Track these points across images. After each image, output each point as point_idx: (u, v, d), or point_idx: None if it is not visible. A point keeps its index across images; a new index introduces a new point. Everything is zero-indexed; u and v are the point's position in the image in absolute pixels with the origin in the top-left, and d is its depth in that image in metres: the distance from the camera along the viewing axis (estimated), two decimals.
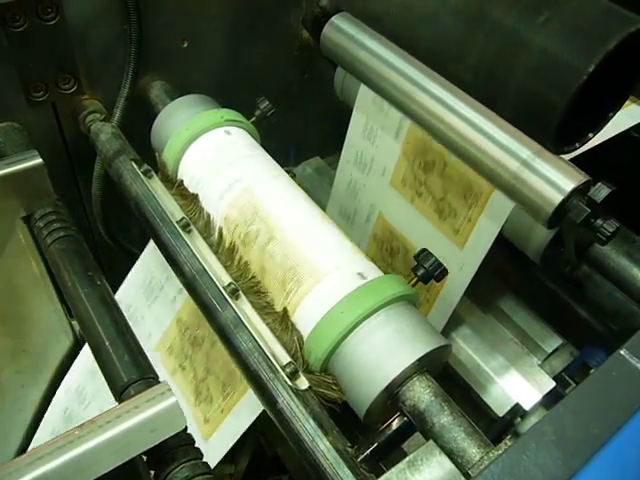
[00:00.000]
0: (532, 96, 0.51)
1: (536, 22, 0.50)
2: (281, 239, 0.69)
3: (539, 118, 0.52)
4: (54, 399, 0.91)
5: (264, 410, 0.65)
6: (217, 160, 0.78)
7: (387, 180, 0.94)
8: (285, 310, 0.65)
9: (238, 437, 0.72)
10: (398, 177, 0.92)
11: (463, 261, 0.84)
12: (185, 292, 0.76)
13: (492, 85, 0.55)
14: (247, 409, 0.72)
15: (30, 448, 0.90)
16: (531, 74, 0.51)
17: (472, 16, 0.55)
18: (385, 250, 0.98)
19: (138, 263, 0.87)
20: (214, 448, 0.75)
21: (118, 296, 0.89)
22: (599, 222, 0.70)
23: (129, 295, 0.88)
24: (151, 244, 0.83)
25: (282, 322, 0.65)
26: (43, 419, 0.91)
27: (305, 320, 0.64)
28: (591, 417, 0.43)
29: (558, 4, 0.50)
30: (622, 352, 0.47)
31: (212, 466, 0.72)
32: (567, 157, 0.68)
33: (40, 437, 0.90)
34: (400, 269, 0.96)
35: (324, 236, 0.71)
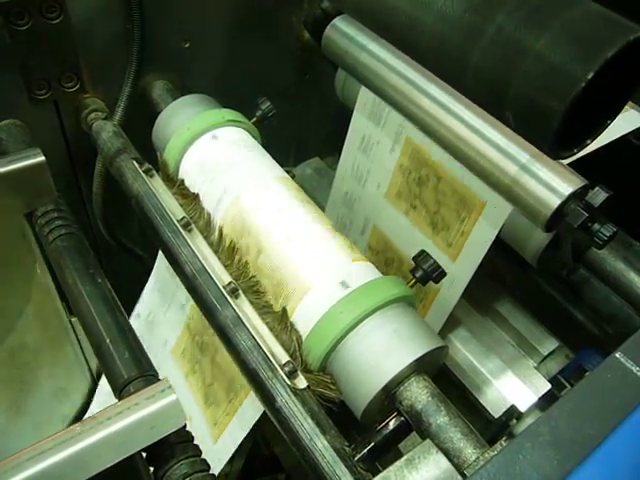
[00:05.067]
0: (531, 102, 0.52)
1: (536, 29, 0.51)
2: (268, 252, 0.69)
3: (537, 124, 0.52)
4: None
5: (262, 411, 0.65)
6: (212, 165, 0.78)
7: (382, 192, 0.95)
8: (284, 310, 0.65)
9: (240, 440, 0.73)
10: (393, 190, 0.93)
11: (455, 274, 0.85)
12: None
13: (491, 90, 0.55)
14: (248, 414, 0.73)
15: None
16: (530, 80, 0.51)
17: (473, 22, 0.56)
18: (380, 261, 0.99)
19: (153, 271, 0.88)
20: (221, 450, 0.76)
21: (140, 301, 0.90)
22: (596, 226, 0.70)
23: (148, 301, 0.89)
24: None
25: (281, 321, 0.65)
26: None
27: (304, 320, 0.64)
28: (586, 418, 0.44)
29: (558, 12, 0.51)
30: (617, 355, 0.47)
31: (219, 468, 0.73)
32: (565, 161, 0.69)
33: None
34: None
35: (315, 244, 0.70)
